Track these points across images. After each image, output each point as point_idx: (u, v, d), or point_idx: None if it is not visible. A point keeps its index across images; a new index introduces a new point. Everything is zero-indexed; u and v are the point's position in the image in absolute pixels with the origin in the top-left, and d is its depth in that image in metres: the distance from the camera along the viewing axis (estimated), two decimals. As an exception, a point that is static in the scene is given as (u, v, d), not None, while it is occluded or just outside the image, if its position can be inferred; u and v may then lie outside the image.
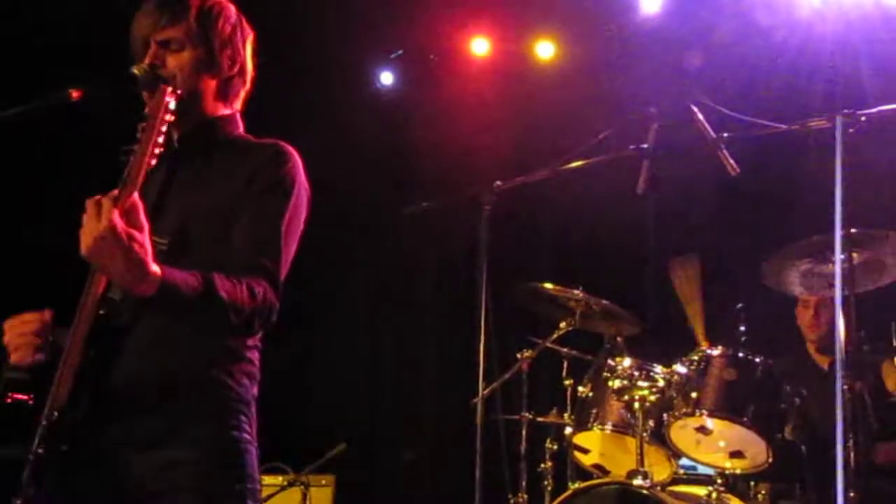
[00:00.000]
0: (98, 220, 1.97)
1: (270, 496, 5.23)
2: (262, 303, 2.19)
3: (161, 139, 2.16)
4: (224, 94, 2.45)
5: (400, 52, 6.74)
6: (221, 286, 2.12)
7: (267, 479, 5.34)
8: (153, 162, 2.15)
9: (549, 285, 4.73)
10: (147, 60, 2.32)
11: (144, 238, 2.02)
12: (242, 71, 2.48)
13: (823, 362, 4.88)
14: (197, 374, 2.24)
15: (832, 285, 3.30)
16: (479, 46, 6.59)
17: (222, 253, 2.24)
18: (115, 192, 2.06)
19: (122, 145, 2.16)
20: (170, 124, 2.40)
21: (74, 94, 2.22)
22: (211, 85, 2.41)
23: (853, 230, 3.20)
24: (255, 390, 2.34)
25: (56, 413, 2.04)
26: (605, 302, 4.64)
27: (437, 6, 6.22)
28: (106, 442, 2.17)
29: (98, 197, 2.01)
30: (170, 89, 2.22)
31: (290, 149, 2.40)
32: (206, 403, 2.23)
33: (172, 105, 2.20)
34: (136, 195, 2.07)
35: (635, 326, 4.76)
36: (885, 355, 4.33)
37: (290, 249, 2.34)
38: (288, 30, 5.63)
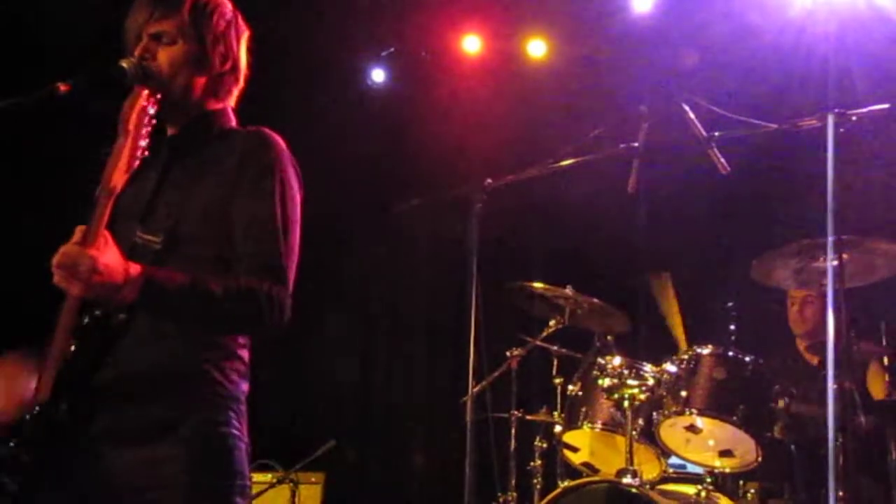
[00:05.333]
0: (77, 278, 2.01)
1: (259, 494, 5.21)
2: (266, 294, 2.19)
3: (144, 143, 2.16)
4: (215, 91, 2.44)
5: (391, 49, 6.72)
6: (213, 282, 2.14)
7: (256, 477, 5.32)
8: (136, 164, 2.15)
9: (538, 284, 4.72)
10: (137, 52, 2.31)
11: (109, 256, 2.04)
12: (235, 68, 2.47)
13: (814, 360, 4.88)
14: (187, 369, 2.23)
15: (823, 284, 3.29)
16: (471, 44, 6.58)
17: (217, 246, 2.25)
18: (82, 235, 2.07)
19: (104, 147, 2.15)
20: (163, 120, 2.39)
21: (62, 87, 2.20)
22: (201, 81, 2.40)
23: (843, 236, 3.17)
24: (245, 387, 2.33)
25: (37, 408, 2.03)
26: (594, 300, 4.64)
27: (429, 4, 6.21)
28: (92, 436, 2.16)
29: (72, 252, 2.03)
30: (146, 93, 2.20)
31: (274, 135, 2.40)
32: (195, 399, 2.22)
33: (152, 111, 2.19)
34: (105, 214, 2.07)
35: (624, 324, 4.77)
36: (873, 354, 4.33)
37: (293, 235, 2.33)
38: (279, 26, 5.61)
